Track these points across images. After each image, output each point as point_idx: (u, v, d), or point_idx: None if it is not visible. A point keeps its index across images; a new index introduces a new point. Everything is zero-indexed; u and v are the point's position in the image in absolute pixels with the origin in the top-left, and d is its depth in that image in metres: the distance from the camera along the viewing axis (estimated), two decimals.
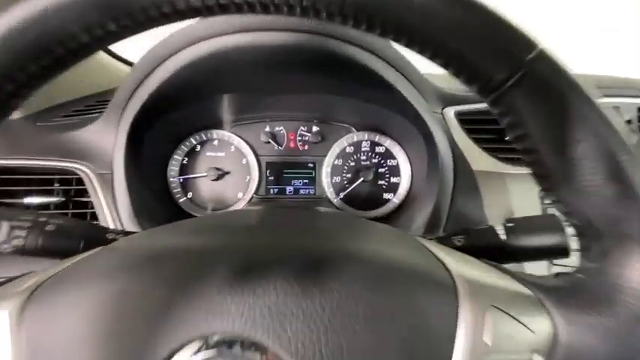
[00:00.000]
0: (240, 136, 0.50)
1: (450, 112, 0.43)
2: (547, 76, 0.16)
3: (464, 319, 0.15)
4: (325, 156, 0.50)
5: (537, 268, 0.37)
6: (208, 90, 0.43)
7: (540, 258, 0.27)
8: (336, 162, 0.50)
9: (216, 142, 0.50)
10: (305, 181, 0.50)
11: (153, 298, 0.15)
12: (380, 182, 0.50)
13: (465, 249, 0.28)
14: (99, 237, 0.28)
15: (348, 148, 0.51)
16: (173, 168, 0.49)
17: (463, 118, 0.43)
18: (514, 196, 0.38)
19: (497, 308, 0.16)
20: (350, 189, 0.49)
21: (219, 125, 0.50)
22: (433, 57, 0.16)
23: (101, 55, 0.63)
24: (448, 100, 0.43)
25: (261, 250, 0.17)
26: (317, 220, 0.23)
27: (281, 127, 0.51)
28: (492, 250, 0.27)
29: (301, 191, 0.50)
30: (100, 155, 0.41)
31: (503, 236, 0.28)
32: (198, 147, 0.50)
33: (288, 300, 0.14)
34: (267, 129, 0.50)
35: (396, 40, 0.16)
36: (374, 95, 0.42)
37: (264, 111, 0.49)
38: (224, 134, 0.49)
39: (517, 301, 0.17)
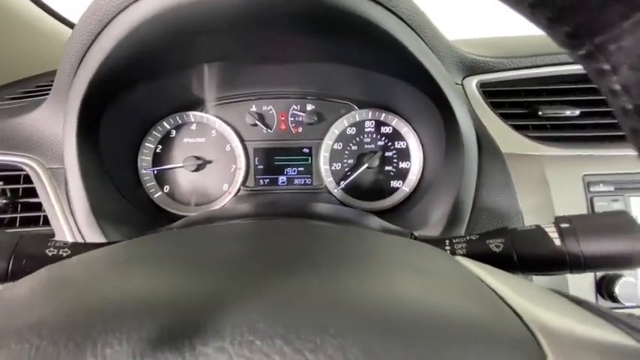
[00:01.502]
0: (221, 119, 0.42)
1: (472, 82, 0.36)
2: None
3: None
4: (323, 139, 0.43)
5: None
6: (171, 60, 0.35)
7: (611, 268, 0.21)
8: (335, 146, 0.43)
9: (194, 127, 0.42)
10: (300, 169, 0.43)
11: None
12: (387, 168, 0.43)
13: (505, 257, 0.22)
14: (36, 252, 0.22)
15: (349, 129, 0.43)
16: (145, 158, 0.41)
17: (487, 90, 0.36)
18: (553, 183, 0.31)
19: None
20: (352, 177, 0.42)
21: (196, 106, 0.42)
22: None
23: (59, 25, 0.54)
24: (469, 67, 0.36)
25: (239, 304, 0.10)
26: (319, 243, 0.17)
27: (269, 107, 0.43)
28: (545, 260, 0.21)
29: (296, 181, 0.43)
30: (50, 146, 0.34)
31: (557, 240, 0.21)
32: (173, 132, 0.42)
33: None
34: (254, 109, 0.43)
35: None
36: (381, 62, 0.35)
37: (248, 87, 0.42)
38: (202, 116, 0.42)
39: None
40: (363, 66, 0.37)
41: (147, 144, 0.41)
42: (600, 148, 0.33)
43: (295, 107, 0.43)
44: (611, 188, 0.30)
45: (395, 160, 0.43)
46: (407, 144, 0.43)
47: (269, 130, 0.43)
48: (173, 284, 0.12)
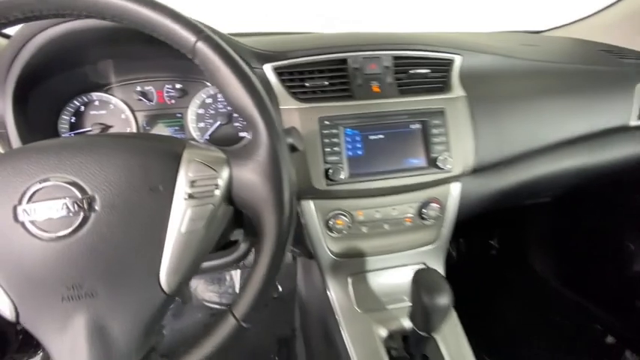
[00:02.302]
0: (116, 96, 0.63)
1: (269, 67, 0.61)
2: (211, 49, 0.34)
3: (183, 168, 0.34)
4: (189, 107, 0.66)
5: None
6: (76, 60, 0.55)
7: None
8: (198, 111, 0.66)
9: (97, 103, 0.63)
10: (176, 127, 0.66)
11: None
12: (235, 124, 0.67)
13: None
14: None
15: (206, 99, 0.66)
16: (63, 126, 0.62)
17: (280, 71, 0.61)
18: (304, 124, 0.58)
19: (200, 162, 0.35)
20: (211, 131, 0.66)
21: (97, 88, 0.63)
22: (151, 32, 0.33)
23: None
24: (266, 57, 0.60)
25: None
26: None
27: (150, 87, 0.65)
28: None
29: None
30: None
31: None
32: (82, 107, 0.62)
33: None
34: (138, 89, 0.64)
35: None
36: None
37: (133, 74, 0.63)
38: (102, 95, 0.63)
39: (212, 158, 0.36)
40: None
41: (63, 116, 0.61)
42: (333, 102, 0.60)
43: (168, 87, 0.65)
44: (333, 121, 0.58)
45: (240, 118, 0.67)
46: None
47: (151, 103, 0.65)
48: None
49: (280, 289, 1.29)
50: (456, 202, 0.66)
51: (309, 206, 0.61)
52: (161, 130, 0.66)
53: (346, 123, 0.59)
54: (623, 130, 0.76)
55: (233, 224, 0.57)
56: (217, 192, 0.35)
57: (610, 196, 1.02)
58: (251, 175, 0.36)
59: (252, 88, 0.35)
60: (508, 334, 1.16)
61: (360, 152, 0.59)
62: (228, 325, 0.35)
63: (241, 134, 0.68)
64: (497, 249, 1.43)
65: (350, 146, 0.59)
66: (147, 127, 0.65)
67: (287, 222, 0.35)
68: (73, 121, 0.62)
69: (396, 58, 0.63)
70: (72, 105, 0.62)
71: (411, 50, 0.64)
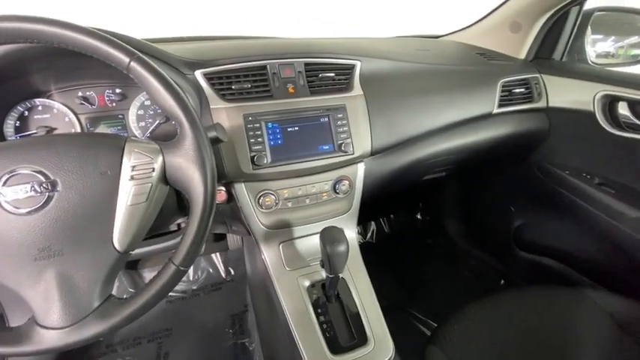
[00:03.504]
0: (58, 102, 0.70)
1: (199, 73, 0.72)
2: (142, 67, 0.45)
3: (126, 157, 0.45)
4: (129, 108, 0.75)
5: None
6: (16, 73, 0.62)
7: None
8: (139, 112, 0.76)
9: (40, 108, 0.70)
10: (119, 127, 0.75)
11: None
12: (173, 122, 0.78)
13: None
14: None
15: (145, 101, 0.76)
16: (8, 129, 0.68)
17: (209, 77, 0.73)
18: (231, 121, 0.71)
19: (138, 152, 0.47)
20: (151, 129, 0.76)
21: (39, 95, 0.69)
22: (92, 54, 0.44)
23: None
24: (196, 65, 0.72)
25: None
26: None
27: (91, 92, 0.73)
28: None
29: None
30: None
31: None
32: (26, 112, 0.69)
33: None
34: (80, 94, 0.72)
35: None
36: None
37: (75, 82, 0.71)
38: (44, 101, 0.69)
39: (148, 148, 0.48)
40: None
41: (8, 121, 0.67)
42: (256, 101, 0.73)
43: (108, 91, 0.73)
44: (256, 117, 0.71)
45: None
46: None
47: (93, 106, 0.73)
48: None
49: (233, 272, 1.41)
50: (362, 178, 0.84)
51: (242, 188, 0.74)
52: (104, 130, 0.74)
53: (267, 118, 0.73)
54: (488, 117, 0.99)
55: (178, 209, 0.68)
56: (154, 174, 0.47)
57: (493, 169, 1.28)
58: (180, 160, 0.48)
59: (177, 95, 0.48)
60: (426, 287, 1.40)
61: (280, 142, 0.74)
62: (170, 270, 0.48)
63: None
64: (421, 221, 1.68)
65: (272, 137, 0.73)
66: (90, 128, 0.73)
67: (210, 191, 0.49)
68: (17, 125, 0.68)
69: (307, 64, 0.78)
70: (15, 110, 0.68)
71: (319, 57, 0.79)
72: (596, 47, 1.06)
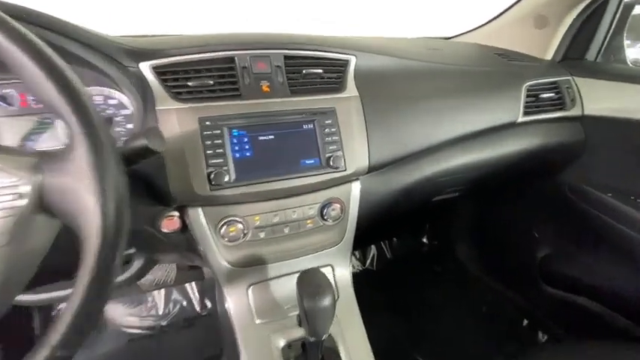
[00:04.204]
0: None
1: (146, 66, 0.56)
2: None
3: None
4: None
5: None
6: None
7: None
8: None
9: None
10: (43, 134, 0.59)
11: None
12: (117, 129, 0.61)
13: None
14: None
15: None
16: None
17: (159, 70, 0.57)
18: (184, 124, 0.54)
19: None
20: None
21: None
22: None
23: None
24: (141, 55, 0.56)
25: None
26: None
27: (11, 89, 0.57)
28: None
29: None
30: None
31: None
32: None
33: None
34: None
35: None
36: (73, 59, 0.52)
37: None
38: None
39: (15, 163, 0.31)
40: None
41: None
42: (219, 101, 0.57)
43: None
44: (216, 122, 0.55)
45: (122, 123, 0.62)
46: (131, 110, 0.62)
47: (13, 107, 0.57)
48: None
49: (209, 305, 1.22)
50: (357, 201, 0.66)
51: (197, 214, 0.57)
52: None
53: (232, 123, 0.56)
54: (510, 127, 0.82)
55: None
56: (21, 202, 0.30)
57: (515, 188, 1.10)
58: (65, 180, 0.31)
59: (64, 81, 0.31)
60: (434, 325, 1.20)
61: (248, 154, 0.56)
62: (39, 357, 0.30)
63: (125, 139, 0.62)
64: (428, 245, 1.49)
65: (237, 147, 0.56)
66: None
67: (112, 229, 0.31)
68: None
69: (288, 57, 0.62)
70: None
71: (303, 50, 0.63)
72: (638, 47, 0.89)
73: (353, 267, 1.40)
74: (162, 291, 1.20)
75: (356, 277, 0.71)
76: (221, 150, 0.54)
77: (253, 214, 0.59)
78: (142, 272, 0.70)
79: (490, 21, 1.08)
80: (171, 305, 1.19)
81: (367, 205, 0.68)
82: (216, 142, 0.54)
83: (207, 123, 0.54)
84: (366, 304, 0.67)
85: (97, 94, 0.62)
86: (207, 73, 0.58)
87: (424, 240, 1.49)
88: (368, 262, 1.45)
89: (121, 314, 1.16)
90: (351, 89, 0.65)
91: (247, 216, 0.59)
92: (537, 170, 0.97)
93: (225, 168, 0.54)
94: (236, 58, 0.59)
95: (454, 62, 0.84)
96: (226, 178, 0.54)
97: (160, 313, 1.18)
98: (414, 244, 1.51)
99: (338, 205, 0.64)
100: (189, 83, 0.56)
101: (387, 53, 0.75)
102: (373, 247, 1.46)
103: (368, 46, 0.73)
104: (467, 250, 1.34)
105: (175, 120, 0.53)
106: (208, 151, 0.54)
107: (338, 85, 0.65)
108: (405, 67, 0.75)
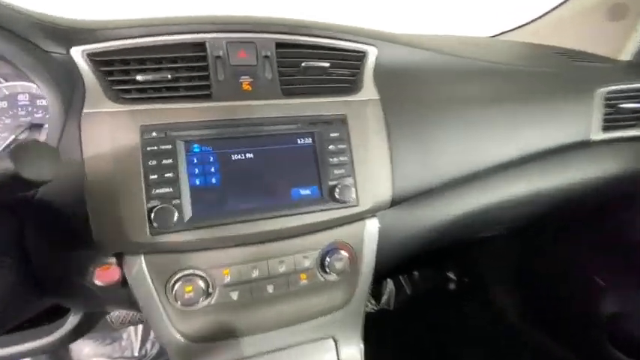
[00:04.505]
0: None
1: (78, 51, 0.40)
2: None
3: None
4: None
5: None
6: None
7: None
8: None
9: None
10: None
11: None
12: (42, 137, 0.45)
13: None
14: None
15: (0, 103, 0.44)
16: None
17: (96, 58, 0.40)
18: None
19: None
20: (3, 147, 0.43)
21: None
22: None
23: None
24: (72, 36, 0.40)
25: None
26: None
27: None
28: None
29: None
30: None
31: None
32: None
33: None
34: None
35: None
36: None
37: None
38: None
39: None
40: None
41: None
42: (176, 103, 0.39)
43: None
44: (165, 132, 0.37)
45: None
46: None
47: None
48: None
49: None
50: (373, 246, 0.47)
51: (137, 265, 0.39)
52: None
53: (192, 135, 0.38)
54: (582, 147, 0.61)
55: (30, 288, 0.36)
56: None
57: (575, 224, 0.87)
58: None
59: None
60: None
61: (213, 180, 0.39)
62: None
63: None
64: (456, 282, 1.26)
65: (196, 170, 0.38)
66: None
67: None
68: None
69: (281, 45, 0.44)
70: None
71: (302, 36, 0.46)
72: None
73: (365, 306, 1.19)
74: (140, 327, 1.02)
75: (369, 318, 0.51)
76: (171, 174, 0.37)
77: (221, 265, 0.41)
78: (82, 328, 0.53)
79: (542, 16, 0.88)
80: (149, 345, 1.01)
81: (385, 250, 0.49)
82: (164, 162, 0.37)
83: (154, 134, 0.37)
84: (382, 350, 0.48)
85: (21, 93, 0.46)
86: (166, 64, 0.41)
87: (451, 275, 1.26)
88: (384, 299, 1.22)
89: (88, 354, 0.98)
90: (369, 90, 0.47)
91: (212, 268, 0.40)
92: (610, 204, 0.74)
93: (175, 201, 0.36)
94: (207, 43, 0.42)
95: (505, 61, 0.64)
96: (176, 217, 0.36)
97: (136, 354, 1.00)
98: (438, 278, 1.28)
99: (345, 254, 0.44)
100: (139, 77, 0.39)
101: (417, 45, 0.56)
102: (390, 281, 1.24)
103: (392, 37, 0.55)
104: (505, 293, 1.11)
105: (107, 129, 0.36)
106: (152, 176, 0.36)
107: (351, 85, 0.47)
108: (443, 64, 0.56)
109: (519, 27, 0.92)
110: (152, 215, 0.35)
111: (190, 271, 0.40)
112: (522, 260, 1.06)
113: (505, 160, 0.53)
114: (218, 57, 0.42)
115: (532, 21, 0.88)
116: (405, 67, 0.52)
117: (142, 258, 0.39)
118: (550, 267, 0.97)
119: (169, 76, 0.40)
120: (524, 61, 0.68)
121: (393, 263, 0.53)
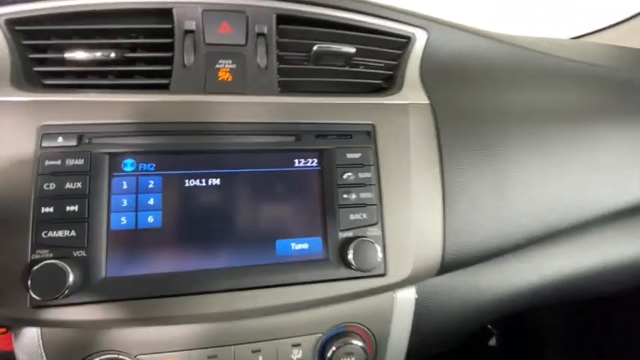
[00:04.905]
0: None
1: None
2: None
3: None
4: None
5: None
6: None
7: None
8: None
9: None
10: None
11: None
12: None
13: None
14: None
15: None
16: None
17: (17, 25, 0.28)
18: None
19: None
20: None
21: None
22: None
23: None
24: None
25: None
26: None
27: None
28: None
29: None
30: None
31: None
32: None
33: None
34: None
35: None
36: None
37: None
38: None
39: None
40: None
41: None
42: (112, 94, 0.26)
43: None
44: (72, 142, 0.23)
45: None
46: None
47: None
48: None
49: None
50: (406, 327, 0.30)
51: (30, 339, 0.24)
52: None
53: (124, 145, 0.24)
54: None
55: None
56: None
57: None
58: None
59: None
60: None
61: (151, 219, 0.24)
62: None
63: None
64: (499, 340, 1.03)
65: (125, 202, 0.24)
66: None
67: None
68: None
69: (285, 19, 0.30)
70: None
71: (317, 6, 0.31)
72: None
73: None
74: None
75: None
76: (75, 207, 0.22)
77: (162, 349, 0.26)
78: None
79: (635, 16, 0.69)
80: None
81: (424, 330, 0.32)
82: (68, 186, 0.23)
83: (59, 140, 0.23)
84: None
85: None
86: (114, 38, 0.28)
87: (492, 343, 1.04)
88: None
89: None
90: (414, 91, 0.31)
91: (148, 354, 0.26)
92: None
93: (78, 253, 0.22)
94: (175, 10, 0.28)
95: (600, 62, 0.46)
96: (72, 278, 0.21)
97: None
98: (477, 349, 1.06)
99: (359, 343, 0.28)
100: (67, 55, 0.26)
101: (483, 34, 0.40)
102: None
103: (447, 22, 0.39)
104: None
105: None
106: (45, 209, 0.22)
107: (385, 82, 0.31)
108: (520, 60, 0.39)
109: (603, 29, 0.73)
110: (32, 274, 0.21)
111: (113, 356, 0.25)
112: (588, 327, 0.83)
113: (618, 206, 0.35)
114: (189, 31, 0.28)
115: (618, 23, 0.69)
116: (467, 62, 0.35)
117: (38, 332, 0.25)
118: (624, 339, 0.74)
119: (113, 55, 0.27)
120: (621, 64, 0.49)
121: (429, 349, 0.36)
